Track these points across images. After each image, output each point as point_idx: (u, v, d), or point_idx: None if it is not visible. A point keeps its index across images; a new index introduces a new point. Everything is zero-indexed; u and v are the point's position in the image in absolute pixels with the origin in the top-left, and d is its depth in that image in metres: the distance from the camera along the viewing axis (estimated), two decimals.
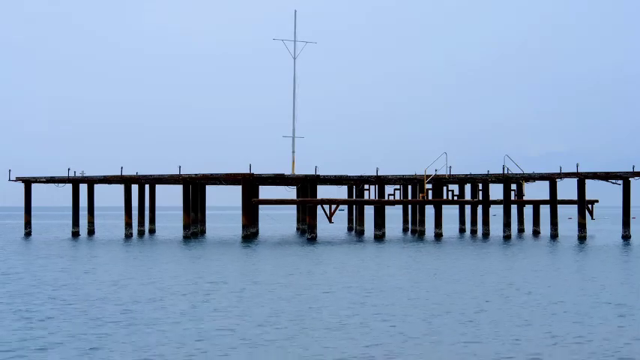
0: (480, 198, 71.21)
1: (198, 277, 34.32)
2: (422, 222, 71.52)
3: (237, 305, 24.98)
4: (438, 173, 67.76)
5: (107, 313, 23.32)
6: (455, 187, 76.30)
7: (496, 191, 73.99)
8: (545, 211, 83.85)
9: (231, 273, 36.11)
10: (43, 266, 40.46)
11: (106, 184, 75.26)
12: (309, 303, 25.51)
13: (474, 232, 73.87)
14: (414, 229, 75.76)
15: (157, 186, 79.60)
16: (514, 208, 77.90)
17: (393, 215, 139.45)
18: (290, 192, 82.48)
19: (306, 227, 66.33)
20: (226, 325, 21.04)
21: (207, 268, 38.96)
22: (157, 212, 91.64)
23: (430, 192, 68.13)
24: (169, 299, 26.60)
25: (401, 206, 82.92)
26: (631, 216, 67.71)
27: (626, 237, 65.72)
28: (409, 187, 77.79)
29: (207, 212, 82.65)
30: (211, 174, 66.84)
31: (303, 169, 74.32)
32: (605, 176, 64.22)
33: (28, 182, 73.21)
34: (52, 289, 29.56)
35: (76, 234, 73.91)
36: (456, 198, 72.48)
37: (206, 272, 36.43)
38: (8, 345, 18.39)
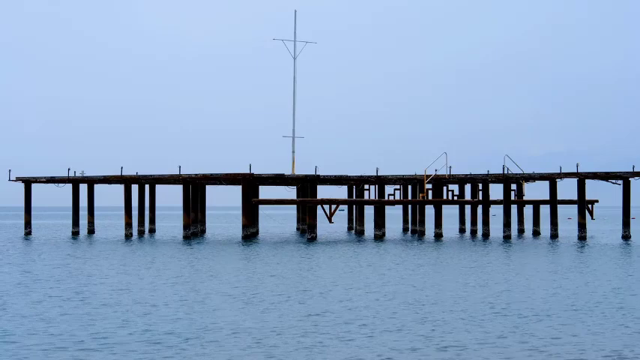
0: (480, 198, 71.18)
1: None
2: (422, 222, 71.50)
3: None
4: (438, 173, 67.73)
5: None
6: (455, 187, 76.31)
7: (496, 191, 74.06)
8: (545, 211, 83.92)
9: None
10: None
11: (106, 184, 75.26)
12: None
13: (473, 232, 73.85)
14: (414, 229, 75.74)
15: (157, 186, 79.60)
16: (514, 208, 77.91)
17: (393, 215, 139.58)
18: (290, 192, 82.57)
19: (306, 227, 66.33)
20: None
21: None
22: (157, 212, 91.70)
23: (430, 192, 68.10)
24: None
25: (401, 206, 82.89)
26: (631, 216, 67.67)
27: (626, 237, 65.73)
28: (409, 187, 77.76)
29: (207, 212, 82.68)
30: (211, 174, 66.81)
31: (303, 169, 74.39)
32: (605, 176, 64.20)
33: (28, 182, 73.19)
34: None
35: (76, 234, 73.91)
36: (456, 198, 72.45)
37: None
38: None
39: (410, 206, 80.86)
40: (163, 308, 24.31)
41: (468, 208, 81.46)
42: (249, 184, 65.52)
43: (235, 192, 72.09)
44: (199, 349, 17.97)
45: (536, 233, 73.41)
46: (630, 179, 63.94)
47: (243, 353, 17.60)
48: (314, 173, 67.32)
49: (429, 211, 76.49)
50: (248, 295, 27.76)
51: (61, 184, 73.64)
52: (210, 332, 20.06)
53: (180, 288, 29.93)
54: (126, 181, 71.26)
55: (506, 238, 67.27)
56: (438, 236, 67.57)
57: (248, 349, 18.07)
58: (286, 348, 18.15)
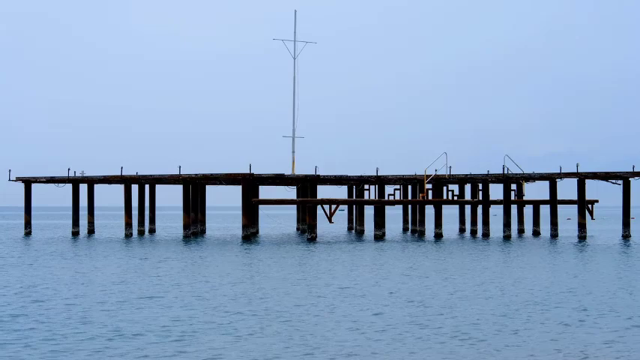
0: (480, 198, 71.16)
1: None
2: (422, 222, 71.47)
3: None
4: (438, 173, 67.72)
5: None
6: (455, 187, 76.25)
7: (496, 191, 74.00)
8: (545, 211, 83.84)
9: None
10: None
11: (106, 184, 75.24)
12: None
13: (473, 232, 73.82)
14: (414, 229, 75.70)
15: (157, 186, 79.55)
16: (514, 208, 77.88)
17: (393, 215, 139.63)
18: (290, 192, 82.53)
19: (306, 227, 66.30)
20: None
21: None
22: (157, 212, 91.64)
23: (430, 192, 68.08)
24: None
25: (401, 206, 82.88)
26: (631, 216, 67.65)
27: (626, 237, 65.71)
28: (409, 187, 77.75)
29: (207, 212, 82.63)
30: (211, 174, 66.78)
31: (303, 169, 74.38)
32: (605, 176, 64.18)
33: (28, 182, 73.17)
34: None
35: (76, 234, 73.90)
36: (456, 198, 72.44)
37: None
38: None
39: (410, 206, 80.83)
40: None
41: (468, 208, 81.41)
42: (249, 184, 65.49)
43: (235, 192, 72.08)
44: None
45: (536, 233, 73.39)
46: (630, 179, 63.93)
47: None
48: (314, 173, 67.31)
49: (429, 211, 76.45)
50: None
51: (61, 184, 73.65)
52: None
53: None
54: (126, 181, 71.24)
55: (507, 238, 67.25)
56: (438, 236, 67.54)
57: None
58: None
